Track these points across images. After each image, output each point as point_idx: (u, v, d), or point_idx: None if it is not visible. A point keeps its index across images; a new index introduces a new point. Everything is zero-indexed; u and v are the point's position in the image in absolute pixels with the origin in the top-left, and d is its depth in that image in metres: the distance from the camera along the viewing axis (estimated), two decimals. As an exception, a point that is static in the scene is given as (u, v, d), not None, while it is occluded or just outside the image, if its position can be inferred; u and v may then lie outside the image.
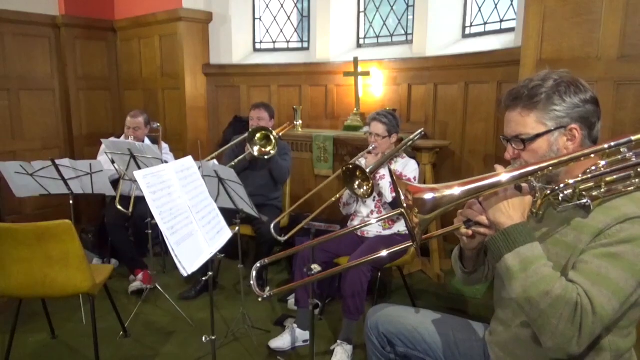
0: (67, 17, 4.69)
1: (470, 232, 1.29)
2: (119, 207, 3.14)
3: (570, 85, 1.25)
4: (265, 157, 3.28)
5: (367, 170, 2.72)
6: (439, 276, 3.46)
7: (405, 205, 1.15)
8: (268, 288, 1.40)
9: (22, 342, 2.74)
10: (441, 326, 1.65)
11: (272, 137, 3.26)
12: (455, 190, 1.16)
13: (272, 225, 2.89)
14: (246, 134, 3.35)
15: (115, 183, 3.50)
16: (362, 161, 2.96)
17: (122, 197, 3.27)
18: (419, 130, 2.99)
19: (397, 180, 1.18)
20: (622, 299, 1.12)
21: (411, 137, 2.97)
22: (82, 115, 4.98)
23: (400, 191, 1.16)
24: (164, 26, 4.69)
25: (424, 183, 3.49)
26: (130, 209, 3.20)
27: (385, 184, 2.80)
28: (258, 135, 3.29)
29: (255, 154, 3.28)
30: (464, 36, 3.95)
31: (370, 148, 2.86)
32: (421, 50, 3.92)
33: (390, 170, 1.27)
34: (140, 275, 3.40)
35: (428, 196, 1.15)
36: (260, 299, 1.56)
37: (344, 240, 2.81)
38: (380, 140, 2.84)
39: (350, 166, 2.75)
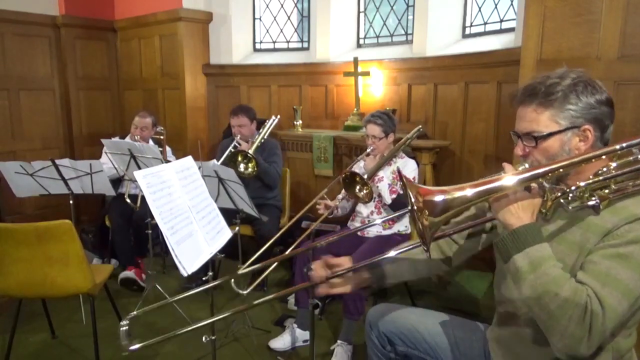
0: (67, 17, 4.69)
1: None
2: (127, 200, 3.15)
3: (588, 85, 1.23)
4: (246, 172, 3.24)
5: (365, 177, 2.71)
6: (439, 276, 3.46)
7: (415, 207, 1.13)
8: (138, 340, 1.32)
9: (22, 342, 2.74)
10: (441, 325, 1.65)
11: (249, 155, 3.23)
12: (467, 191, 1.14)
13: (232, 282, 2.72)
14: (233, 143, 3.37)
15: (117, 184, 3.51)
16: (360, 164, 2.96)
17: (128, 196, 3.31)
18: (416, 129, 2.97)
19: (407, 182, 1.17)
20: (631, 300, 1.12)
21: (408, 135, 2.95)
22: (82, 115, 4.98)
23: (410, 193, 1.14)
24: (164, 26, 4.69)
25: (424, 183, 3.49)
26: (138, 204, 3.20)
27: (383, 186, 2.79)
28: (239, 157, 3.26)
29: (242, 170, 3.25)
30: (464, 36, 3.95)
31: (369, 150, 2.86)
32: (421, 50, 3.92)
33: (399, 172, 1.27)
34: (130, 271, 3.44)
35: (439, 198, 1.13)
36: (124, 354, 1.43)
37: (344, 241, 2.80)
38: (378, 141, 2.84)
39: (348, 173, 2.75)
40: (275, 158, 3.49)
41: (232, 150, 3.31)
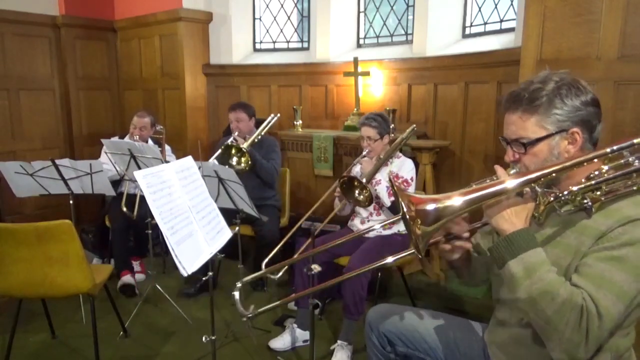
0: (67, 17, 4.69)
1: (448, 246, 1.36)
2: (124, 209, 3.15)
3: (571, 87, 1.23)
4: (238, 167, 3.23)
5: (363, 180, 2.69)
6: (439, 276, 3.46)
7: (408, 217, 1.13)
8: (252, 306, 1.38)
9: (22, 342, 2.74)
10: (441, 326, 1.65)
11: (243, 149, 3.22)
12: (457, 200, 1.14)
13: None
14: (230, 138, 3.36)
15: (117, 184, 3.51)
16: (357, 167, 2.95)
17: (126, 196, 3.30)
18: (410, 128, 2.95)
19: (398, 191, 1.17)
20: (626, 302, 1.12)
21: (403, 136, 2.93)
22: (82, 115, 4.98)
23: (403, 202, 1.14)
24: (164, 26, 4.69)
25: (424, 183, 3.49)
26: (135, 212, 3.20)
27: (382, 189, 2.78)
28: (232, 151, 3.25)
29: (234, 164, 3.24)
30: (464, 36, 3.95)
31: (365, 153, 2.85)
32: (421, 50, 3.92)
33: (391, 181, 1.26)
34: (127, 276, 3.45)
35: (430, 207, 1.13)
36: (244, 319, 1.58)
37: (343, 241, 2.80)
38: (373, 143, 2.83)
39: (346, 178, 2.73)
40: (273, 155, 3.48)
41: (226, 144, 3.30)
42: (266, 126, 3.48)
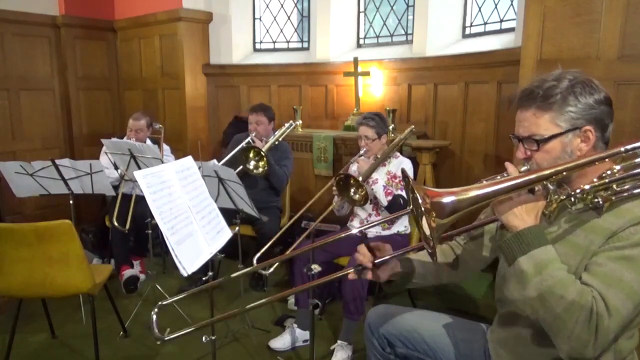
0: (67, 17, 4.69)
1: (355, 276, 1.47)
2: (115, 223, 3.15)
3: (585, 85, 1.23)
4: (256, 170, 3.23)
5: (360, 179, 2.69)
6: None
7: (423, 209, 1.13)
8: (168, 330, 1.36)
9: (22, 342, 2.74)
10: (441, 326, 1.65)
11: (262, 153, 3.21)
12: (474, 193, 1.14)
13: (254, 261, 2.73)
14: (248, 139, 3.35)
15: (117, 185, 3.51)
16: (354, 166, 2.95)
17: (123, 196, 3.30)
18: (409, 129, 2.95)
19: (413, 184, 1.17)
20: (636, 301, 1.12)
21: (401, 136, 2.93)
22: (82, 115, 4.98)
23: (418, 195, 1.14)
24: (164, 26, 4.69)
25: (424, 183, 3.49)
26: (127, 226, 3.20)
27: (378, 188, 2.78)
28: (251, 154, 3.26)
29: (251, 167, 3.25)
30: (464, 36, 3.95)
31: (362, 152, 2.85)
32: (421, 50, 3.92)
33: (404, 173, 1.26)
34: (130, 269, 3.45)
35: (447, 200, 1.13)
36: (158, 342, 1.47)
37: (344, 241, 2.80)
38: (371, 143, 2.83)
39: (342, 176, 2.72)
40: (286, 162, 3.47)
41: (246, 145, 3.29)
42: (285, 132, 3.48)
